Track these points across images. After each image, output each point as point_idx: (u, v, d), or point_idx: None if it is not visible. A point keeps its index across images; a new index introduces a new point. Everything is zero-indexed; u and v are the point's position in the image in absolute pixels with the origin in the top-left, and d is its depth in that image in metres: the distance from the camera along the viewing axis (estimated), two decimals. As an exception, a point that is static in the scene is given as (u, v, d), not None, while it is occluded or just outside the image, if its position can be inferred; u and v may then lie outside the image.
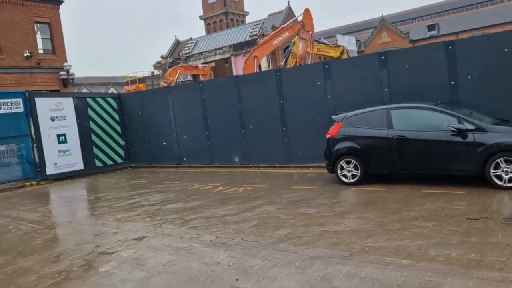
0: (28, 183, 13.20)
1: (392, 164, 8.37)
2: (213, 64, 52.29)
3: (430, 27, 60.12)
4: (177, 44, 61.72)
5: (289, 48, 32.86)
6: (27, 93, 13.46)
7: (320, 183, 9.47)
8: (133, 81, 45.94)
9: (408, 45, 57.38)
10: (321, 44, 36.14)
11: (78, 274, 4.95)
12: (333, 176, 9.93)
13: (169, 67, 53.18)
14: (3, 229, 7.71)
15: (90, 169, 14.92)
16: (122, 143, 16.10)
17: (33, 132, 13.43)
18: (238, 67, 46.62)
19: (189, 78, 52.22)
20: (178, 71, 39.14)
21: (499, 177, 7.25)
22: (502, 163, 7.21)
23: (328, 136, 9.29)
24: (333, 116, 9.49)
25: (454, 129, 7.59)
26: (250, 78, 13.55)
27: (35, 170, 13.50)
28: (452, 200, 6.76)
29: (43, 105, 13.62)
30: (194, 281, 4.41)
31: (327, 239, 5.35)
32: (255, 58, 30.43)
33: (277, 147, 12.49)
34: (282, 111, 12.21)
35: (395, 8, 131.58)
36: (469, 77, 9.36)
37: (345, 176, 8.93)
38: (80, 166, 14.60)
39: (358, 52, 48.96)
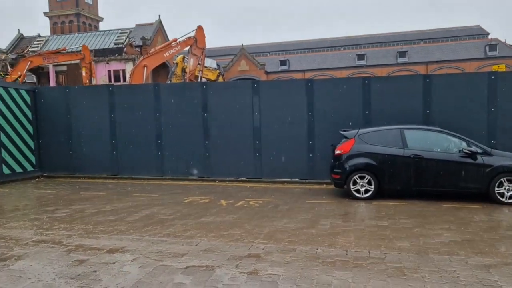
0: None
1: (406, 181, 9.02)
2: (64, 68, 47.15)
3: (282, 62, 66.07)
4: (20, 39, 53.67)
5: (172, 70, 32.12)
6: None
7: (326, 197, 9.52)
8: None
9: (264, 76, 62.22)
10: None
11: None
12: (332, 190, 10.25)
13: (11, 64, 45.78)
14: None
15: (-3, 177, 11.70)
16: (33, 147, 13.11)
17: None
18: (98, 75, 43.02)
19: (34, 80, 45.89)
20: (30, 62, 33.46)
21: (501, 194, 8.56)
22: (505, 182, 8.55)
23: (339, 151, 9.45)
24: (342, 132, 9.72)
25: (468, 151, 8.68)
26: (220, 86, 12.88)
27: None
28: (490, 213, 7.70)
29: None
30: (425, 295, 4.03)
31: (460, 249, 5.49)
32: (145, 68, 28.72)
33: (246, 161, 12.03)
34: (257, 125, 11.88)
35: (253, 39, 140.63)
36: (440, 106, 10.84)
37: (357, 191, 9.21)
38: (-14, 172, 11.32)
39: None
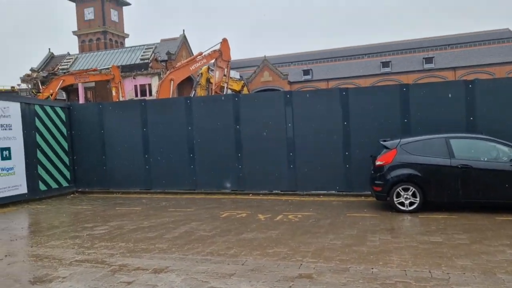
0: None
1: (454, 193, 8.53)
2: (92, 84, 48.06)
3: (305, 72, 65.78)
4: (51, 58, 55.26)
5: (197, 80, 32.22)
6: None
7: (368, 210, 9.13)
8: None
9: (287, 86, 62.05)
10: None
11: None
12: (373, 202, 9.86)
13: (42, 82, 47.16)
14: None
15: (34, 193, 11.80)
16: (68, 163, 13.22)
17: (-30, 142, 10.08)
18: (125, 90, 43.72)
19: (63, 96, 47.03)
20: (62, 81, 34.38)
21: (559, 205, 8.01)
22: (562, 192, 7.99)
23: (380, 162, 9.07)
24: (382, 142, 9.34)
25: (521, 160, 8.17)
26: (252, 98, 12.70)
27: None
28: (551, 226, 7.16)
29: (-14, 108, 10.42)
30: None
31: (530, 267, 5.06)
32: (171, 81, 28.97)
33: (281, 173, 11.76)
34: (291, 136, 11.62)
35: (275, 51, 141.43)
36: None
37: (401, 203, 8.79)
38: (23, 189, 11.43)
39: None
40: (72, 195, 13.07)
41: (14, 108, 11.24)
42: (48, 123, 12.49)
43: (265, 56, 64.47)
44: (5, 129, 10.90)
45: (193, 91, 31.80)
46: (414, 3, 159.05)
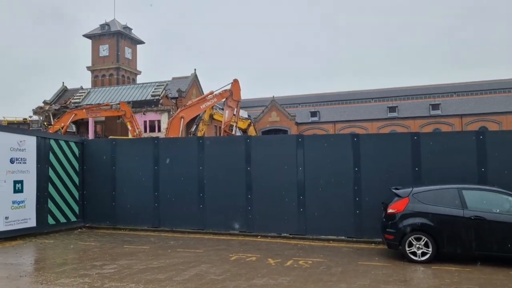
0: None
1: (467, 244, 8.44)
2: (102, 119, 48.77)
3: (313, 113, 66.46)
4: (64, 91, 56.45)
5: (200, 115, 32.73)
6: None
7: (379, 259, 9.01)
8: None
9: (294, 127, 62.69)
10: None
11: None
12: (384, 250, 9.73)
13: (54, 114, 48.00)
14: None
15: (43, 227, 11.79)
16: (78, 197, 13.26)
17: (-15, 174, 10.22)
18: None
19: (73, 129, 47.56)
20: (74, 115, 35.07)
21: None
22: None
23: (392, 210, 9.04)
24: (394, 190, 9.34)
25: (536, 214, 8.12)
26: (264, 140, 12.89)
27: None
28: None
29: (3, 141, 10.62)
30: None
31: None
32: (181, 119, 29.38)
33: (290, 216, 11.70)
34: (301, 180, 11.64)
35: (283, 91, 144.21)
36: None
37: (414, 253, 8.67)
38: (32, 222, 11.43)
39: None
40: (79, 230, 13.01)
41: (30, 142, 11.43)
42: (62, 157, 12.64)
43: (273, 97, 65.53)
44: (20, 163, 11.05)
45: (195, 125, 32.28)
46: (420, 50, 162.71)
